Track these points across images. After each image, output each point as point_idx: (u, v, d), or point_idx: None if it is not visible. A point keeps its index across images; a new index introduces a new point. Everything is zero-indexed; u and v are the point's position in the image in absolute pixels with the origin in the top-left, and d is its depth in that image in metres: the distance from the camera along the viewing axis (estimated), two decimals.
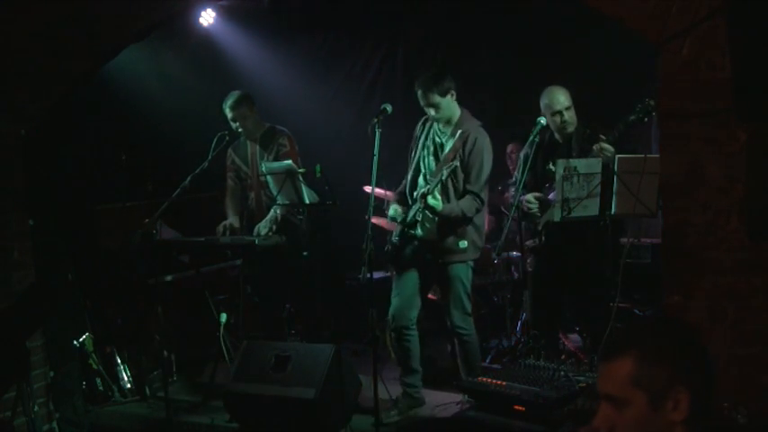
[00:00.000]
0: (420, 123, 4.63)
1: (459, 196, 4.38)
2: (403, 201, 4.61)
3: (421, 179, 4.53)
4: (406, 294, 4.53)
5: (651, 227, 4.88)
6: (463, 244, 4.43)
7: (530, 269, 5.09)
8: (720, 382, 1.72)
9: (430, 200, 4.21)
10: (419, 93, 4.38)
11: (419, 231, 4.46)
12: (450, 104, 4.40)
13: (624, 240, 4.67)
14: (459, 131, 4.38)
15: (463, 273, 4.48)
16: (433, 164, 4.49)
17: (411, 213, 4.46)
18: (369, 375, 4.19)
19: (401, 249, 4.53)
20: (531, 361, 3.82)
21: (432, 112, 4.40)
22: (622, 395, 1.66)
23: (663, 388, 1.63)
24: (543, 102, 4.68)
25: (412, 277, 4.54)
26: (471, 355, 4.56)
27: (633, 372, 1.65)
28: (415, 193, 4.53)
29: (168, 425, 4.63)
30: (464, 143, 4.35)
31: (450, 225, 4.38)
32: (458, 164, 4.29)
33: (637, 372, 1.65)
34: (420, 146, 4.58)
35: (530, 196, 4.70)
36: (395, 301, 4.56)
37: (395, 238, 4.55)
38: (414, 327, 4.57)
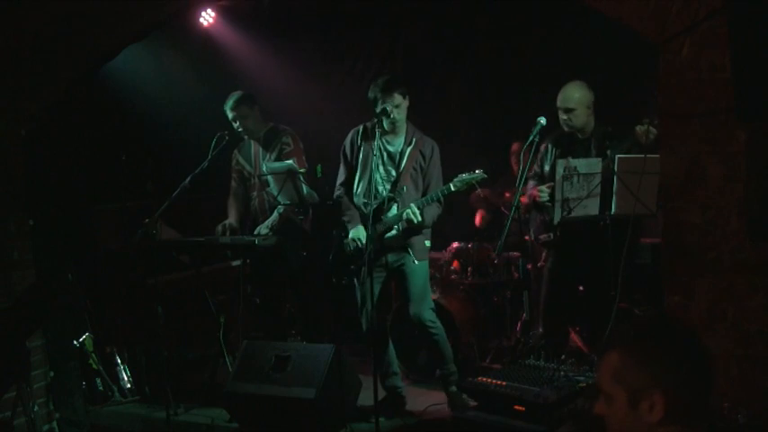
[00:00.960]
0: (356, 134, 4.62)
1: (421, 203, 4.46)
2: (363, 218, 4.55)
3: (381, 189, 4.54)
4: (375, 302, 4.53)
5: (651, 227, 4.88)
6: (428, 243, 4.61)
7: (544, 263, 5.06)
8: (720, 382, 1.71)
9: (415, 221, 4.32)
10: (379, 96, 4.39)
11: (387, 236, 4.52)
12: (405, 108, 4.47)
13: (645, 240, 4.64)
14: (414, 140, 4.51)
15: (426, 269, 4.66)
16: (393, 172, 4.53)
17: (388, 222, 4.48)
18: (369, 375, 4.19)
19: (375, 261, 4.50)
20: (531, 361, 3.82)
21: (395, 114, 4.40)
22: (607, 389, 1.71)
23: (639, 388, 1.66)
24: (558, 96, 4.63)
25: (378, 283, 4.57)
26: (443, 346, 4.65)
27: (616, 368, 1.69)
28: (367, 203, 4.48)
29: (168, 425, 4.64)
30: (422, 152, 4.50)
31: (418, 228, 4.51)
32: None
33: (618, 369, 1.69)
34: (364, 156, 4.55)
35: (543, 186, 4.63)
36: (372, 312, 4.55)
37: (369, 252, 4.43)
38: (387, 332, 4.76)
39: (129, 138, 6.19)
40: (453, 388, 4.55)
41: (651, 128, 4.11)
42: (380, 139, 4.49)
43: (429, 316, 4.60)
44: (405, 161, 4.51)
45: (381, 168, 4.55)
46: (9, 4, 4.13)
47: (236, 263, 5.78)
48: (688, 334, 1.72)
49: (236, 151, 5.40)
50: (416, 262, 4.53)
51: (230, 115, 5.19)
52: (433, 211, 4.51)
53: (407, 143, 4.52)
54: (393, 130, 4.51)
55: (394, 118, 4.42)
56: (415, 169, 4.50)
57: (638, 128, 4.23)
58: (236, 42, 6.78)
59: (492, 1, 6.09)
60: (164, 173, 5.22)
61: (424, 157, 4.50)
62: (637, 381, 1.66)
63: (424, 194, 4.50)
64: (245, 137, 5.29)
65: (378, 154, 4.49)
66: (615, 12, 3.23)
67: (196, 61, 6.83)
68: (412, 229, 4.48)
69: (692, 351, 1.68)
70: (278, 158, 5.10)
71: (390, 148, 4.56)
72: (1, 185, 4.39)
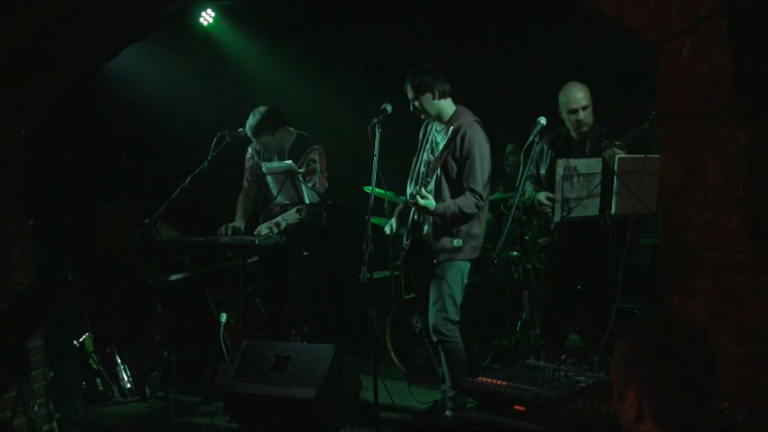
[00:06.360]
0: (423, 126, 4.61)
1: (457, 194, 4.31)
2: (404, 211, 4.54)
3: (416, 179, 4.49)
4: (425, 304, 4.44)
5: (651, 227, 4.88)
6: (458, 242, 4.32)
7: (541, 266, 5.06)
8: (720, 381, 1.70)
9: (420, 201, 4.15)
10: (405, 87, 4.37)
11: (426, 229, 4.38)
12: (430, 103, 4.35)
13: (646, 241, 4.63)
14: (452, 128, 4.33)
15: (450, 272, 4.33)
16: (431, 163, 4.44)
17: (409, 217, 4.44)
18: (369, 375, 4.19)
19: (414, 254, 4.48)
20: (531, 361, 3.81)
21: (412, 107, 4.38)
22: (611, 380, 1.75)
23: (620, 383, 1.70)
24: (561, 98, 4.60)
25: (426, 284, 4.45)
26: (448, 364, 4.37)
27: (613, 360, 1.72)
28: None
29: (168, 425, 4.64)
30: (455, 140, 4.29)
31: (446, 223, 4.30)
32: (453, 164, 4.29)
33: (614, 362, 1.73)
34: (421, 148, 4.57)
35: (542, 196, 4.65)
36: (427, 313, 4.43)
37: (405, 244, 4.52)
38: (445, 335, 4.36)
39: (129, 138, 6.21)
40: (448, 413, 4.38)
41: (618, 151, 4.19)
42: (430, 132, 4.49)
43: (443, 327, 4.31)
44: (438, 152, 4.37)
45: (429, 159, 4.45)
46: (9, 3, 4.13)
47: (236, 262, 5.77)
48: (678, 338, 1.68)
49: (252, 150, 5.31)
50: (436, 262, 4.33)
51: (251, 139, 5.07)
52: (462, 201, 4.22)
53: (445, 132, 4.36)
54: (439, 120, 4.44)
55: (416, 112, 4.41)
56: (448, 160, 4.28)
57: (608, 152, 4.25)
58: (236, 42, 6.79)
59: (492, 2, 6.09)
60: (164, 173, 5.22)
61: (455, 146, 4.27)
62: (617, 376, 1.70)
63: (460, 185, 4.29)
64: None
65: (423, 148, 4.49)
66: (615, 12, 3.23)
67: (196, 61, 6.83)
68: (441, 226, 4.30)
69: (671, 356, 1.65)
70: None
71: (434, 139, 4.47)
72: (1, 185, 4.39)
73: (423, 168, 4.46)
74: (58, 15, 4.17)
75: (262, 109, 5.01)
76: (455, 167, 4.31)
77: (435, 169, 4.31)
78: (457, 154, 4.28)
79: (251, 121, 4.99)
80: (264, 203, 5.32)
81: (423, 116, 4.48)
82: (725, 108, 2.98)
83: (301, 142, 5.16)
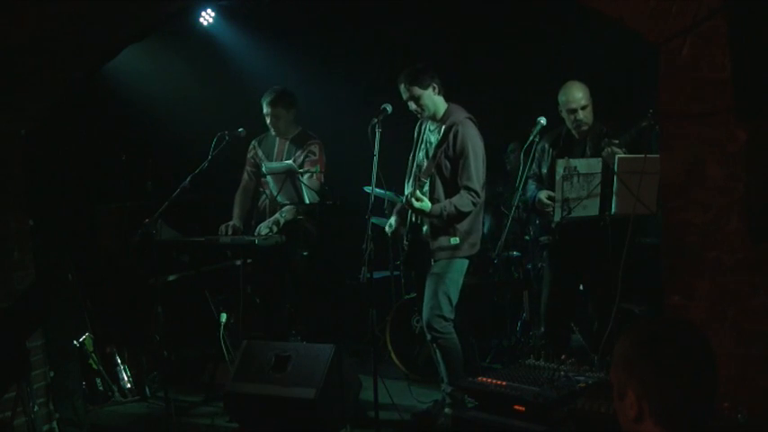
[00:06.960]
0: (417, 125, 4.62)
1: (451, 193, 4.30)
2: (403, 210, 4.55)
3: (412, 180, 4.50)
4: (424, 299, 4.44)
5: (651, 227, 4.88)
6: (455, 240, 4.32)
7: (542, 264, 5.06)
8: (720, 381, 1.71)
9: (415, 204, 4.17)
10: (401, 87, 4.37)
11: (425, 230, 4.38)
12: (432, 98, 4.36)
13: (648, 241, 4.63)
14: (444, 126, 4.34)
15: (447, 269, 4.34)
16: (425, 163, 4.44)
17: (408, 218, 4.46)
18: (369, 375, 4.19)
19: (414, 254, 4.49)
20: (531, 361, 3.82)
21: (412, 105, 4.38)
22: (611, 379, 1.74)
23: (620, 383, 1.70)
24: (560, 98, 4.60)
25: (424, 281, 4.47)
26: (444, 360, 4.38)
27: (613, 360, 1.73)
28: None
29: (168, 425, 4.64)
30: (448, 137, 4.29)
31: (443, 222, 4.30)
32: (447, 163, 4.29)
33: (614, 361, 1.73)
34: (416, 148, 4.57)
35: (543, 195, 4.65)
36: (423, 309, 4.45)
37: (405, 243, 4.53)
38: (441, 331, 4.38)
39: (129, 138, 6.21)
40: (447, 410, 4.38)
41: (617, 149, 4.21)
42: (425, 131, 4.49)
43: (436, 324, 4.33)
44: (432, 151, 4.38)
45: (423, 159, 4.46)
46: (9, 3, 4.12)
47: (237, 262, 5.77)
48: (678, 338, 1.68)
49: (254, 142, 5.34)
50: (433, 261, 4.35)
51: (265, 110, 5.15)
52: (458, 200, 4.22)
53: (438, 131, 4.38)
54: (433, 118, 4.44)
55: (415, 110, 4.41)
56: (441, 160, 4.29)
57: (606, 150, 4.27)
58: (236, 42, 6.79)
59: (492, 1, 6.09)
60: (164, 173, 5.22)
61: (449, 144, 4.28)
62: (617, 376, 1.70)
63: (453, 183, 4.29)
64: (271, 132, 5.24)
65: (418, 148, 4.49)
66: (615, 12, 3.23)
67: (196, 61, 6.83)
68: (438, 225, 4.30)
69: (671, 355, 1.65)
70: (302, 165, 5.05)
71: (428, 138, 4.48)
72: (1, 185, 4.39)
73: (416, 170, 4.47)
74: (58, 15, 4.17)
75: (279, 86, 5.21)
76: (449, 166, 4.31)
77: (430, 170, 4.32)
78: (450, 152, 4.29)
79: (269, 93, 5.15)
80: (255, 202, 5.35)
81: (419, 115, 4.48)
82: (725, 108, 2.98)
83: (304, 135, 5.25)
